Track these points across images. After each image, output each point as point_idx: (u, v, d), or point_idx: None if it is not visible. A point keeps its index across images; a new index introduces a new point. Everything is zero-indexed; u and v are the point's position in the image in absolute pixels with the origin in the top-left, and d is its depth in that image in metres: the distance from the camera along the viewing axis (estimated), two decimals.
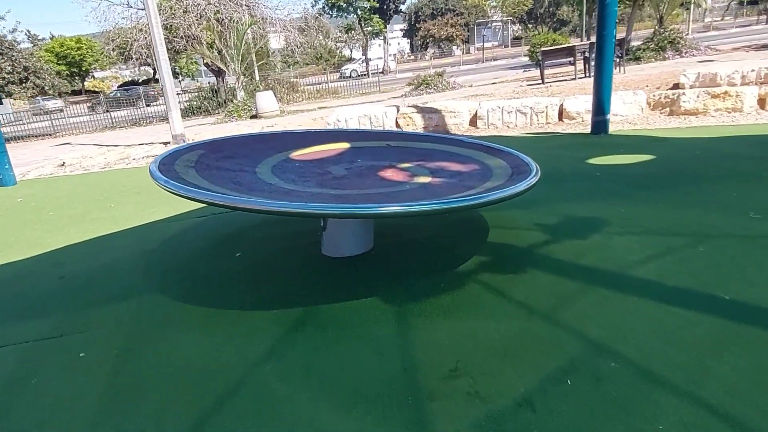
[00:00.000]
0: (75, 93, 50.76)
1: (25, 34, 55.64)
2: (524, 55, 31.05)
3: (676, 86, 9.55)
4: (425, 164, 4.20)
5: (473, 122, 9.60)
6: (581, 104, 8.86)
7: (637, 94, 8.70)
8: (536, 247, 3.65)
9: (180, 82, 49.98)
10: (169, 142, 11.24)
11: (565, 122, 8.94)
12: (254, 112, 15.64)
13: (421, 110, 9.90)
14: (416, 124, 9.87)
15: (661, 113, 8.64)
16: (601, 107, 7.20)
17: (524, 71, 19.96)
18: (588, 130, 8.29)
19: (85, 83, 54.03)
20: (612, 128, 7.63)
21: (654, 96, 8.88)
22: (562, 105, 9.01)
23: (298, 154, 4.47)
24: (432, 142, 4.78)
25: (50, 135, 21.15)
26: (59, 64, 48.49)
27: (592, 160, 6.02)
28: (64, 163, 10.94)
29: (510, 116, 9.19)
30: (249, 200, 2.61)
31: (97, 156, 11.56)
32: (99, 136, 17.93)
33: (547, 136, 8.09)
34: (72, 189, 8.06)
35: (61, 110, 31.57)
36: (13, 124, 23.35)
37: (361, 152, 4.61)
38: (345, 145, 4.74)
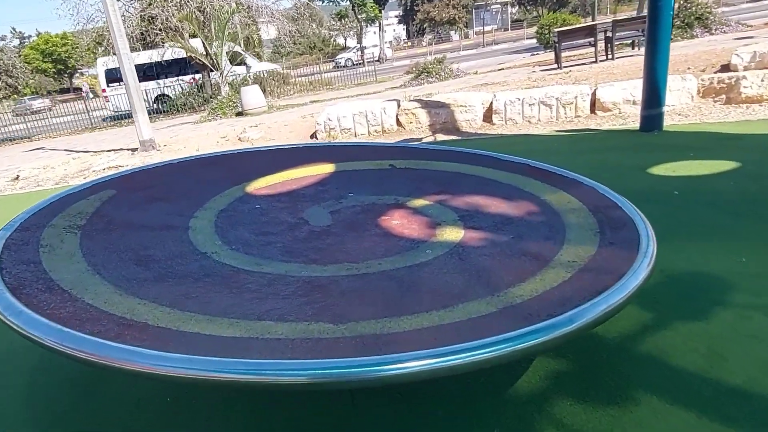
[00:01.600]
0: (63, 91, 49.10)
1: (10, 32, 54.02)
2: (527, 38, 29.48)
3: (725, 68, 8.11)
4: (450, 201, 2.81)
5: (488, 117, 8.18)
6: (617, 93, 7.43)
7: (685, 80, 7.26)
8: (634, 341, 2.26)
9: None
10: (137, 149, 9.83)
11: (599, 115, 7.52)
12: (240, 109, 14.19)
13: (426, 105, 8.48)
14: (420, 122, 8.45)
15: (715, 101, 7.21)
16: (655, 97, 5.77)
17: (532, 55, 18.43)
18: (629, 124, 6.87)
19: (74, 81, 52.29)
20: None
21: (703, 81, 7.45)
22: (594, 94, 7.57)
23: (262, 186, 3.08)
24: (455, 161, 3.38)
25: (28, 138, 19.73)
26: (45, 62, 46.74)
27: (657, 170, 4.61)
28: (18, 176, 9.55)
29: (532, 109, 7.76)
30: (110, 347, 1.22)
31: (59, 167, 10.16)
32: (75, 139, 16.50)
33: (583, 134, 6.67)
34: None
35: (50, 109, 29.99)
36: None
37: (353, 179, 3.21)
38: (330, 168, 3.34)
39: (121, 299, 1.65)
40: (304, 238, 2.46)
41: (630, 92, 7.35)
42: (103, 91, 22.17)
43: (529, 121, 7.83)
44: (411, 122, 8.52)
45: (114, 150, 10.83)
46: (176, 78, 21.19)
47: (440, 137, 7.99)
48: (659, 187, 4.17)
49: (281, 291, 1.88)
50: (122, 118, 20.45)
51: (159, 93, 21.18)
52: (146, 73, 20.87)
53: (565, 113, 7.65)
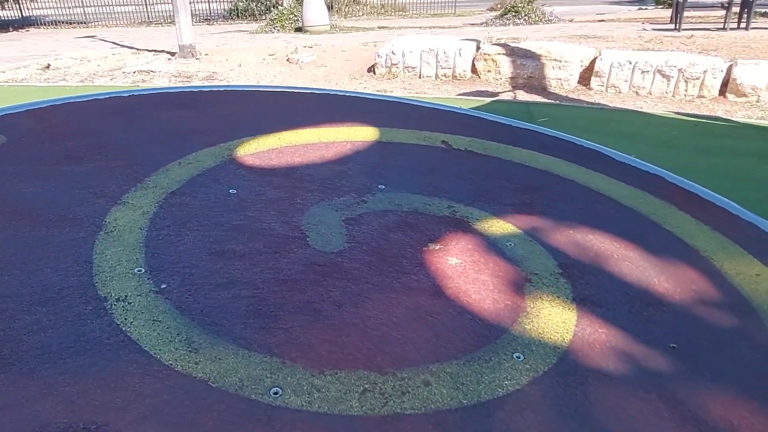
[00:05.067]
0: None
1: None
2: None
3: None
4: (541, 227, 1.68)
5: (585, 79, 6.65)
6: (763, 74, 5.75)
7: None
8: None
9: None
10: (175, 54, 8.81)
11: (729, 100, 5.90)
12: (300, 24, 12.86)
13: (511, 52, 6.99)
14: (500, 72, 7.00)
15: None
16: None
17: (639, 9, 16.00)
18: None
19: None
20: None
21: None
22: (730, 71, 5.92)
23: (249, 153, 1.97)
24: (543, 151, 2.20)
25: (84, 23, 19.12)
26: None
27: None
28: (49, 65, 8.76)
29: (644, 78, 6.19)
30: None
31: (95, 60, 9.32)
32: (128, 32, 15.71)
33: (711, 124, 5.14)
34: None
35: None
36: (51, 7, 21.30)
37: (388, 158, 2.07)
38: (356, 134, 2.19)
39: None
40: (296, 279, 1.38)
41: None
42: None
43: (636, 92, 6.28)
44: (489, 71, 7.08)
45: (156, 51, 9.85)
46: None
47: (521, 95, 6.58)
48: None
49: None
50: None
51: None
52: None
53: (686, 90, 6.05)
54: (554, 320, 1.32)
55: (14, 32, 17.48)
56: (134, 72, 7.89)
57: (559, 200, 1.89)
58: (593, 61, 6.58)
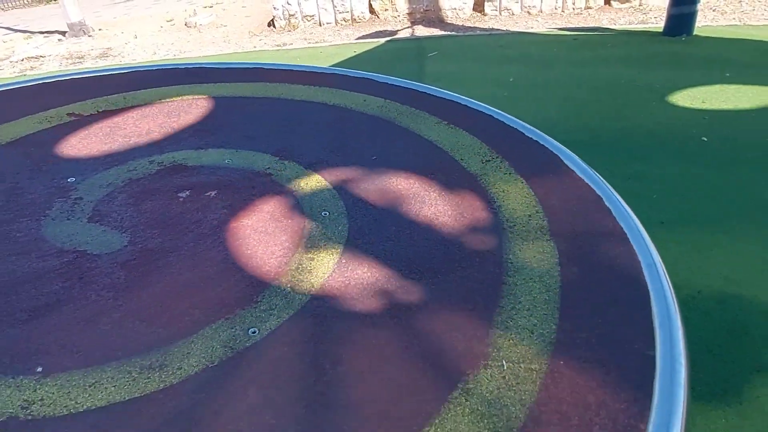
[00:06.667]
0: None
1: None
2: None
3: None
4: (258, 139, 1.81)
5: (479, 5, 6.67)
6: None
7: None
8: None
9: None
10: (65, 33, 8.34)
11: (614, 7, 6.06)
12: None
13: None
14: (398, 9, 6.94)
15: None
16: None
17: None
18: (651, 22, 5.49)
19: None
20: None
21: None
22: None
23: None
24: (225, 81, 2.38)
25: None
26: None
27: (680, 98, 3.44)
28: None
29: None
30: None
31: None
32: (26, 14, 14.60)
33: (590, 35, 5.30)
34: None
35: None
36: None
37: (39, 152, 1.85)
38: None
39: None
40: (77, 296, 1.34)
41: None
42: None
43: (528, 12, 6.36)
44: (386, 9, 7.01)
45: (48, 33, 9.29)
46: None
47: (420, 30, 6.58)
48: (680, 126, 3.04)
49: None
50: None
51: None
52: None
53: (574, 3, 6.17)
54: (321, 197, 1.50)
55: None
56: (22, 60, 7.48)
57: (264, 115, 2.03)
58: None
